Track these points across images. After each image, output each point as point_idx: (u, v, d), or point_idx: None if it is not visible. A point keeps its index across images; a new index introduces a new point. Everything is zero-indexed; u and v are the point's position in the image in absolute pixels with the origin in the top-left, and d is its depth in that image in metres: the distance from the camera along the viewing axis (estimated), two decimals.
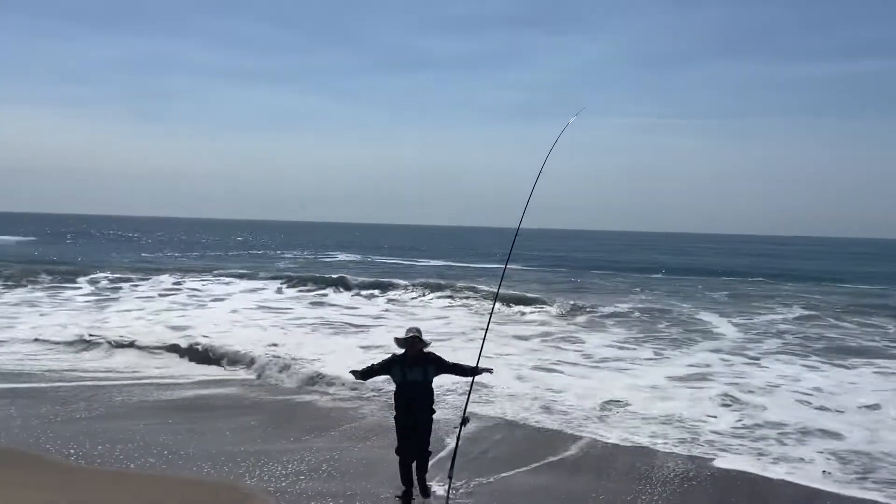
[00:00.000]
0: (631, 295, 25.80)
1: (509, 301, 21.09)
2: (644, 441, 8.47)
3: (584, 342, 15.36)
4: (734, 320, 19.07)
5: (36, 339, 13.87)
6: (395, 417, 6.59)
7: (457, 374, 6.81)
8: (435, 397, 6.69)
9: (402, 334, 6.69)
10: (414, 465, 6.57)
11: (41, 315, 17.54)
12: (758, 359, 13.64)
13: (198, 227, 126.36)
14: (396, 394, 6.56)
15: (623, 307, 21.04)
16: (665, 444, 8.37)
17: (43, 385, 10.64)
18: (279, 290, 25.06)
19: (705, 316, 19.80)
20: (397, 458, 6.56)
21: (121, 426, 8.56)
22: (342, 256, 50.04)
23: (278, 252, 53.79)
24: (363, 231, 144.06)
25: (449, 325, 17.74)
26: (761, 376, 12.00)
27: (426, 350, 6.64)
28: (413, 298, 23.77)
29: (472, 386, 6.67)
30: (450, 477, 6.09)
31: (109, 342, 13.55)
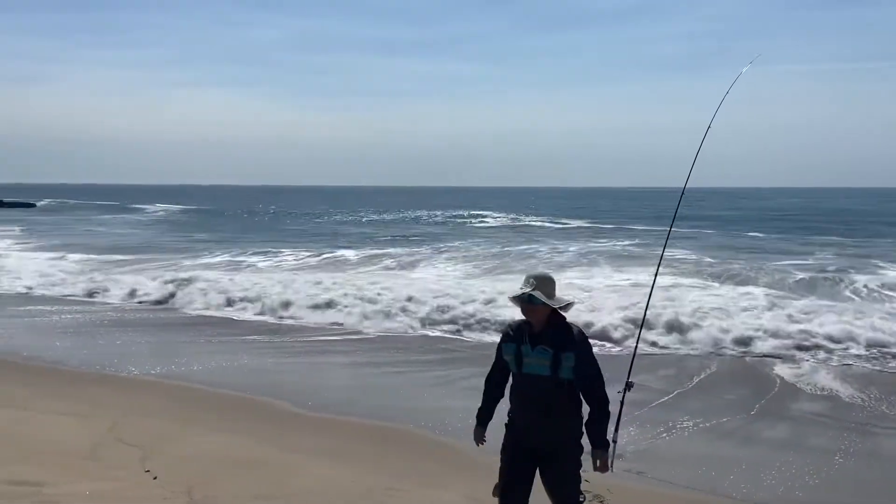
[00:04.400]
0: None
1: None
2: None
3: None
4: None
5: None
6: (506, 431, 3.90)
7: (594, 400, 3.78)
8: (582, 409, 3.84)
9: (516, 289, 3.81)
10: None
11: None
12: None
13: (368, 196, 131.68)
14: (512, 391, 3.90)
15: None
16: None
17: None
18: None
19: None
20: None
21: None
22: (491, 220, 50.23)
23: (482, 213, 54.76)
24: (512, 194, 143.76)
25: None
26: None
27: (566, 320, 3.79)
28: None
29: (639, 337, 6.13)
30: (614, 441, 5.66)
31: None
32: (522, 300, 3.71)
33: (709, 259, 21.74)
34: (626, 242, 30.01)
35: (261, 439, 6.68)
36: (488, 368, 4.04)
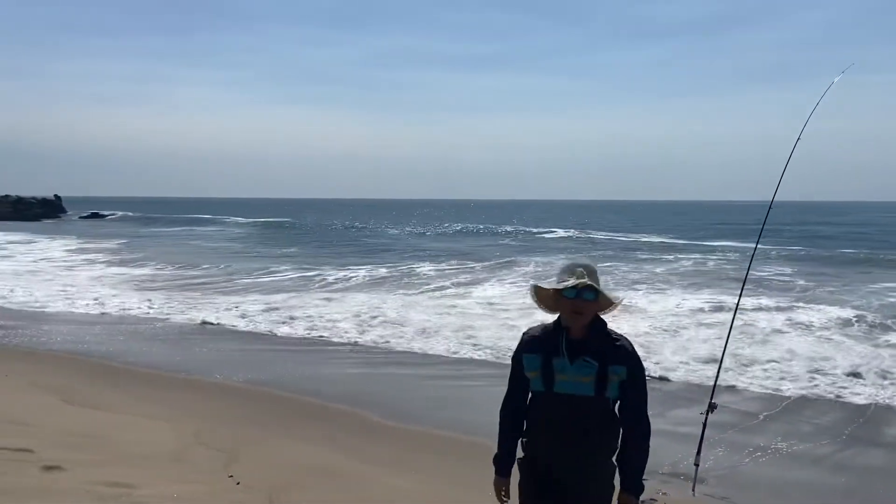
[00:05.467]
0: None
1: None
2: None
3: None
4: None
5: None
6: (523, 470, 3.13)
7: (631, 432, 3.03)
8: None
9: (550, 281, 3.11)
10: None
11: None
12: None
13: (454, 209, 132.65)
14: (530, 415, 3.11)
15: None
16: None
17: None
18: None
19: None
20: None
21: None
22: (600, 235, 49.67)
23: (552, 228, 54.71)
24: (593, 209, 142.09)
25: None
26: None
27: (608, 326, 3.04)
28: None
29: (723, 356, 5.94)
30: (696, 465, 5.57)
31: None
32: (568, 296, 2.91)
33: (802, 282, 20.61)
34: (706, 258, 29.19)
35: (342, 449, 6.78)
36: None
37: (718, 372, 6.01)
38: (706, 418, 5.63)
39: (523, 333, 3.14)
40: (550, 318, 3.09)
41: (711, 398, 5.77)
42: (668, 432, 7.36)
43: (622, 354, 2.97)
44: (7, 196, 79.25)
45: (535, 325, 3.14)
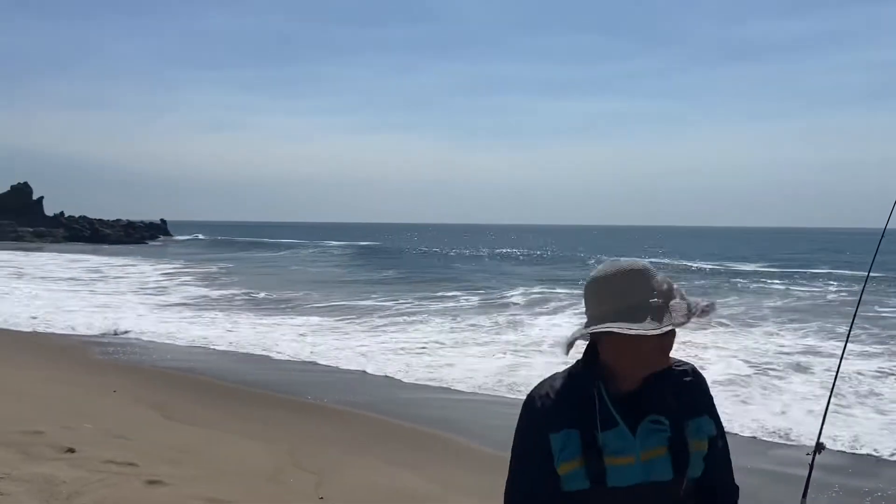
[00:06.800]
0: None
1: None
2: None
3: None
4: None
5: None
6: None
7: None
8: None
9: (600, 290, 1.77)
10: None
11: None
12: None
13: (561, 235, 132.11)
14: None
15: None
16: None
17: None
18: None
19: None
20: None
21: None
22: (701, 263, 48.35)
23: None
24: (682, 235, 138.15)
25: None
26: None
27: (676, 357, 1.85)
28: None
29: (831, 394, 5.63)
30: None
31: None
32: (648, 335, 1.67)
33: None
34: (805, 290, 27.78)
35: (430, 473, 6.77)
36: None
37: (826, 410, 5.65)
38: (813, 459, 5.30)
39: (534, 396, 1.85)
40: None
41: (819, 437, 5.45)
42: (768, 471, 7.02)
43: (700, 396, 1.84)
44: (118, 220, 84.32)
45: (550, 377, 1.89)
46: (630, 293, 1.73)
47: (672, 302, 1.72)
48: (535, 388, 1.88)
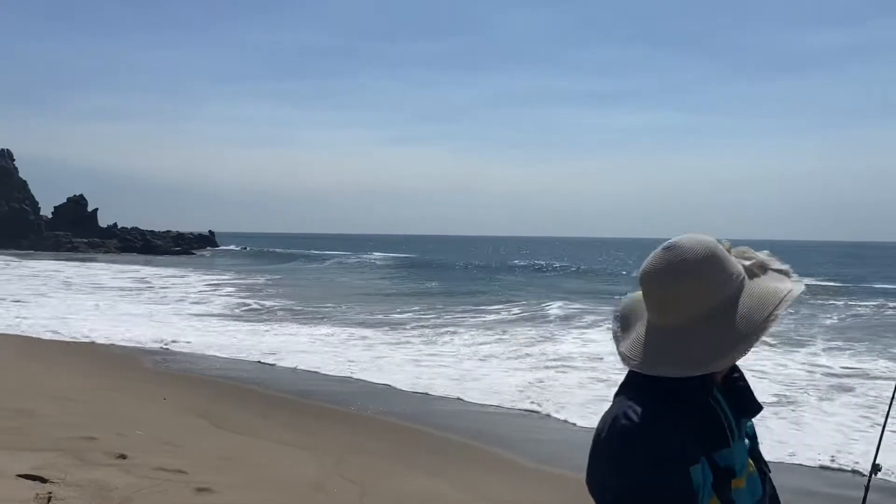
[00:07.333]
0: None
1: None
2: None
3: None
4: None
5: None
6: None
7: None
8: None
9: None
10: None
11: None
12: None
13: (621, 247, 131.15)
14: None
15: None
16: None
17: None
18: None
19: None
20: None
21: None
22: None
23: None
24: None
25: None
26: None
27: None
28: None
29: (888, 414, 5.44)
30: None
31: None
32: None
33: None
34: (862, 305, 26.92)
35: (470, 486, 6.75)
36: None
37: (883, 430, 5.47)
38: (869, 480, 5.14)
39: (646, 424, 1.36)
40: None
41: (875, 458, 5.27)
42: (822, 494, 6.83)
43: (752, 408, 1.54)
44: (168, 231, 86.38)
45: (633, 393, 1.44)
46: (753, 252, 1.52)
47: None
48: (635, 413, 1.37)
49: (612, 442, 1.37)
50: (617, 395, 1.48)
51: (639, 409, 1.38)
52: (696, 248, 1.41)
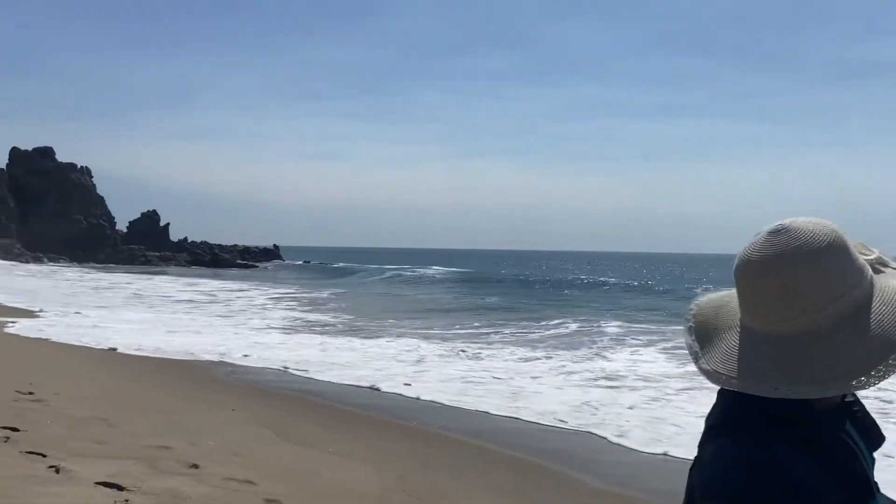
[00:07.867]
0: None
1: None
2: None
3: None
4: None
5: None
6: None
7: None
8: None
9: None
10: None
11: None
12: None
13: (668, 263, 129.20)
14: None
15: None
16: None
17: None
18: None
19: None
20: None
21: None
22: None
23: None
24: None
25: None
26: None
27: None
28: None
29: None
30: None
31: None
32: None
33: None
34: None
35: None
36: None
37: None
38: None
39: (780, 473, 1.04)
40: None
41: None
42: None
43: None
44: (235, 245, 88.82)
45: (754, 429, 1.11)
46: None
47: None
48: (763, 455, 1.06)
49: (738, 498, 1.05)
50: (712, 425, 1.18)
51: (764, 455, 1.06)
52: (816, 232, 1.08)
